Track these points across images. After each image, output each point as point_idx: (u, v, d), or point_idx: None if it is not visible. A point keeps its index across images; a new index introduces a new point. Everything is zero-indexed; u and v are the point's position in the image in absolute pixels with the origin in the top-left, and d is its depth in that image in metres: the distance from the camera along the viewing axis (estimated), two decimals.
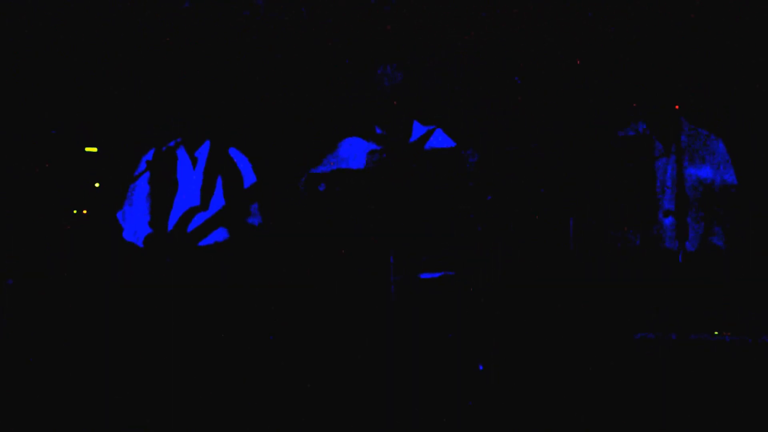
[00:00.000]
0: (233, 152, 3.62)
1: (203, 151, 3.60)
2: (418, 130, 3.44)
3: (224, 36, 4.03)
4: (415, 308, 3.15)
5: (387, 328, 3.10)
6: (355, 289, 3.28)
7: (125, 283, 3.41)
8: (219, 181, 3.56)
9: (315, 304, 3.43)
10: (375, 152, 3.31)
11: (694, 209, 3.20)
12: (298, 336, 3.43)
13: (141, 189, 3.59)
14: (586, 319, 3.07)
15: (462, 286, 3.22)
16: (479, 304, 3.22)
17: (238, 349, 3.37)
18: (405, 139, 3.40)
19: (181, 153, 3.59)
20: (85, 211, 3.57)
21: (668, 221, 3.18)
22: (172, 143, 3.57)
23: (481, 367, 3.16)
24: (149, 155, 3.58)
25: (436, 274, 3.21)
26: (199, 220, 3.50)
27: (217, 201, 3.54)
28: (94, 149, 3.80)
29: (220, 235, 3.52)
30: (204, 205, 3.53)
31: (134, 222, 3.58)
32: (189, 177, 3.57)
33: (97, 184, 3.72)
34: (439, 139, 3.40)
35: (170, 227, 3.50)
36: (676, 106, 3.05)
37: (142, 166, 3.56)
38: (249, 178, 3.61)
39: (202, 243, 3.50)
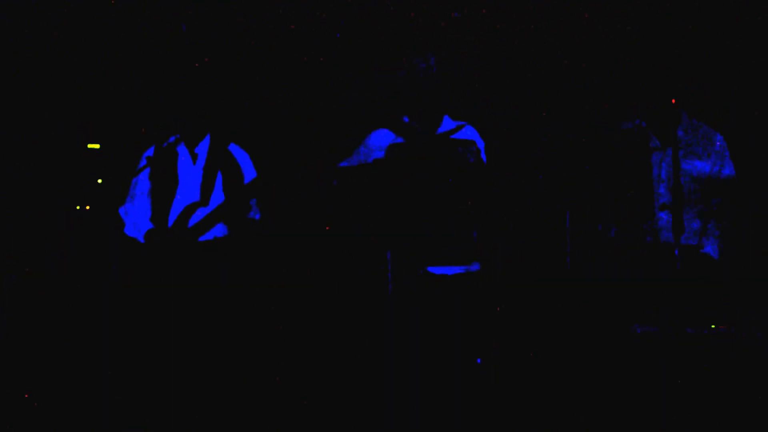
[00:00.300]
0: (233, 148, 3.64)
1: (203, 147, 3.62)
2: (447, 124, 3.43)
3: (238, 29, 4.04)
4: (423, 304, 3.16)
5: (387, 323, 3.10)
6: (355, 287, 3.30)
7: (126, 277, 3.43)
8: (219, 177, 3.58)
9: (320, 300, 3.45)
10: (397, 144, 3.30)
11: (690, 203, 3.20)
12: (308, 332, 3.44)
13: (142, 185, 3.61)
14: (582, 315, 3.07)
15: (465, 282, 3.23)
16: (481, 300, 3.23)
17: (238, 346, 3.38)
18: (431, 132, 3.38)
19: (182, 149, 3.62)
20: (87, 207, 3.60)
21: (664, 215, 3.18)
22: (172, 139, 3.60)
23: (479, 361, 3.17)
24: (150, 151, 3.61)
25: (449, 271, 3.22)
26: (199, 215, 3.52)
27: (217, 197, 3.56)
28: (97, 146, 3.83)
29: (220, 230, 3.54)
30: (204, 200, 3.55)
31: (135, 217, 3.60)
32: (189, 173, 3.60)
33: (99, 180, 3.75)
34: (466, 135, 3.38)
35: (171, 222, 3.52)
36: (673, 100, 3.05)
37: (144, 162, 3.58)
38: (249, 173, 3.63)
39: (202, 238, 3.52)
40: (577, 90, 3.86)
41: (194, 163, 3.61)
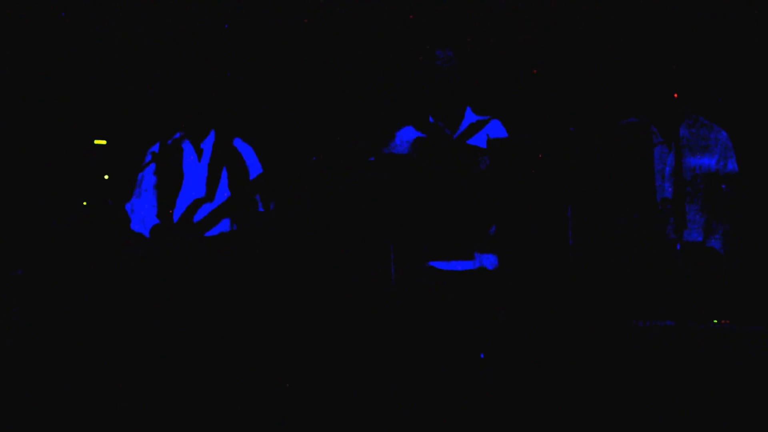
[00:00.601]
0: (238, 143, 3.65)
1: (208, 143, 3.64)
2: (470, 117, 3.41)
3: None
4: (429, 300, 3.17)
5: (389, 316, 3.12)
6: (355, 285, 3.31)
7: (133, 272, 3.46)
8: (224, 173, 3.59)
9: (326, 295, 3.46)
10: (420, 140, 3.30)
11: (694, 199, 3.21)
12: (312, 328, 3.45)
13: (148, 181, 3.64)
14: (585, 308, 3.08)
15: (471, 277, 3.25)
16: (486, 295, 3.24)
17: (243, 342, 3.40)
18: (454, 129, 3.37)
19: (187, 145, 3.63)
20: (88, 203, 3.62)
21: (667, 210, 3.18)
22: (177, 135, 3.62)
23: (482, 356, 3.18)
24: (156, 147, 3.63)
25: (457, 267, 3.23)
26: (204, 211, 3.54)
27: (223, 192, 3.58)
28: (103, 142, 3.86)
29: (225, 225, 3.56)
30: (210, 196, 3.57)
31: (141, 213, 3.62)
32: (195, 168, 3.61)
33: (106, 176, 3.77)
34: (493, 130, 3.37)
35: (176, 218, 3.54)
36: (675, 95, 3.05)
37: (150, 158, 3.60)
38: (255, 169, 3.64)
39: (208, 234, 3.53)
40: (580, 85, 3.86)
41: (199, 158, 3.63)
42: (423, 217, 3.09)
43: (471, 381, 3.11)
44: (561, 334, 3.09)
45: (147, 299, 3.37)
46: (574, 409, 2.94)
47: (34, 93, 4.04)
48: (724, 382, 2.83)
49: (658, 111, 3.28)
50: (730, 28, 3.74)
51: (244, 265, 3.50)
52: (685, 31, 3.69)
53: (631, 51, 3.52)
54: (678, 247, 2.93)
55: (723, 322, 2.92)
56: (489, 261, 3.28)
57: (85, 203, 3.70)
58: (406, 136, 3.38)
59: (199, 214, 3.53)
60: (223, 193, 3.57)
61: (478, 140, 3.26)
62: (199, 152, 3.63)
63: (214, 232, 3.53)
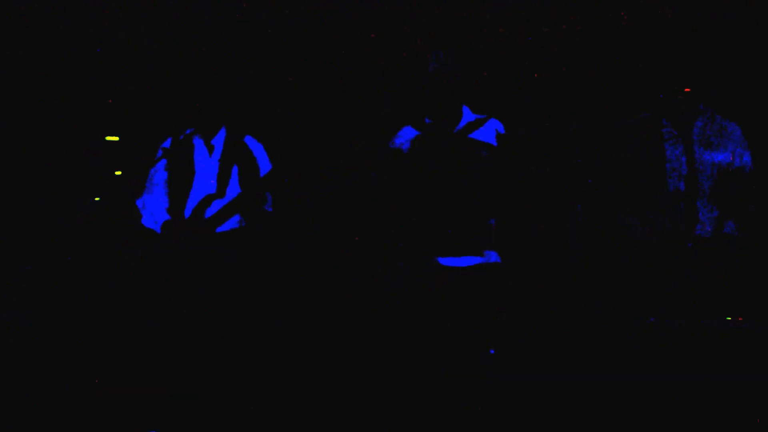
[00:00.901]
0: (249, 140, 3.66)
1: (219, 139, 3.64)
2: (468, 117, 3.40)
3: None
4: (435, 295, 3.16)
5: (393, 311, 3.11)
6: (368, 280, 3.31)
7: (143, 268, 3.47)
8: (235, 169, 3.60)
9: (331, 292, 3.46)
10: (418, 139, 3.30)
11: (706, 194, 3.17)
12: (317, 325, 3.45)
13: (159, 176, 3.65)
14: (596, 305, 3.06)
15: (479, 272, 3.23)
16: (494, 291, 3.22)
17: (251, 338, 3.40)
18: (451, 128, 3.37)
19: (198, 141, 3.64)
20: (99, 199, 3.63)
21: (679, 206, 3.15)
22: (188, 131, 3.62)
23: (492, 351, 3.17)
24: (167, 143, 3.64)
25: (465, 262, 3.21)
26: (215, 207, 3.55)
27: (233, 188, 3.58)
28: (116, 138, 3.87)
29: (236, 222, 3.57)
30: (221, 192, 3.58)
31: (153, 209, 3.63)
32: (206, 164, 3.62)
33: (118, 172, 3.78)
34: (491, 128, 3.36)
35: (188, 214, 3.55)
36: (687, 89, 3.02)
37: (161, 154, 3.62)
38: (265, 166, 3.65)
39: (218, 230, 3.54)
40: (592, 80, 3.83)
41: (210, 155, 3.63)
42: (428, 214, 3.09)
43: (481, 378, 3.10)
44: (571, 331, 3.07)
45: (157, 295, 3.38)
46: (584, 407, 2.92)
47: (45, 90, 4.06)
48: (736, 381, 2.81)
49: (670, 105, 3.25)
50: (747, 21, 3.70)
51: (254, 261, 3.51)
52: (699, 23, 3.65)
53: (643, 44, 3.48)
54: (690, 244, 2.90)
55: (737, 319, 2.89)
56: (497, 257, 3.26)
57: (97, 199, 3.72)
58: (406, 135, 3.38)
59: (210, 210, 3.55)
60: (233, 189, 3.58)
61: (477, 138, 3.25)
62: (210, 148, 3.64)
63: (224, 227, 3.54)
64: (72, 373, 3.38)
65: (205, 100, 3.60)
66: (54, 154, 3.91)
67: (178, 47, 4.07)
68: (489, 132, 3.28)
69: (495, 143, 3.18)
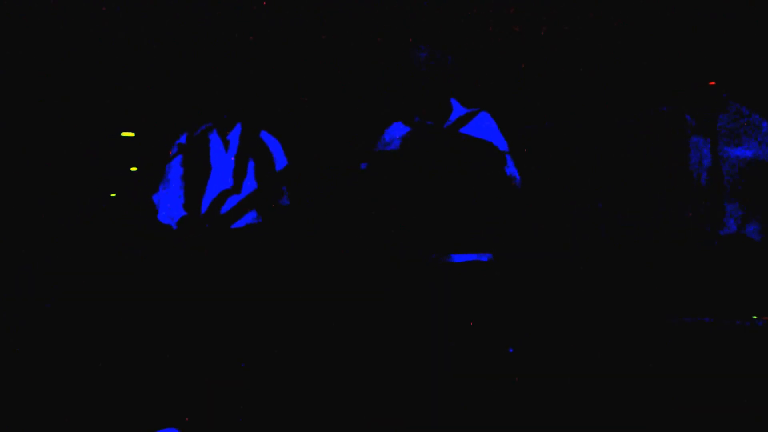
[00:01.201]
0: (265, 135, 3.64)
1: (235, 135, 3.62)
2: (458, 111, 3.37)
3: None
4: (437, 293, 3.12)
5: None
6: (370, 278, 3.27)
7: (159, 264, 3.46)
8: (251, 165, 3.58)
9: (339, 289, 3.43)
10: (409, 135, 3.26)
11: (731, 190, 3.10)
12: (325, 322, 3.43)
13: (175, 172, 3.63)
14: (619, 303, 3.00)
15: (494, 269, 3.18)
16: (501, 289, 3.18)
17: (265, 335, 3.39)
18: (440, 123, 3.32)
19: (213, 136, 3.62)
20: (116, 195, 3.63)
21: (704, 203, 3.08)
22: (204, 127, 3.60)
23: (511, 350, 3.12)
24: (183, 139, 3.62)
25: (469, 258, 3.17)
26: (231, 202, 3.53)
27: (249, 184, 3.56)
28: (131, 134, 3.86)
29: (252, 217, 3.55)
30: (237, 188, 3.56)
31: (169, 204, 3.62)
32: (222, 160, 3.60)
33: (134, 168, 3.77)
34: (481, 121, 3.31)
35: (204, 210, 3.53)
36: (711, 83, 2.95)
37: (176, 149, 3.60)
38: (281, 161, 3.63)
39: (234, 225, 3.52)
40: (615, 73, 3.77)
41: (226, 150, 3.61)
42: (427, 210, 3.05)
43: (499, 376, 3.06)
44: (595, 330, 3.02)
45: (172, 290, 3.37)
46: (609, 404, 2.87)
47: (62, 87, 4.06)
48: (763, 380, 2.75)
49: (694, 99, 3.18)
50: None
51: (271, 257, 3.49)
52: (724, 16, 3.58)
53: (667, 38, 3.41)
54: (715, 242, 2.84)
55: (764, 318, 2.83)
56: (505, 253, 3.21)
57: (113, 195, 3.71)
58: (396, 132, 3.33)
59: (226, 206, 3.52)
60: (249, 185, 3.56)
61: (468, 132, 3.20)
62: (226, 143, 3.62)
63: (240, 223, 3.52)
64: (90, 368, 3.38)
65: (220, 96, 3.59)
66: (69, 151, 3.90)
67: (193, 45, 4.05)
68: (480, 126, 3.22)
69: (486, 138, 3.13)
